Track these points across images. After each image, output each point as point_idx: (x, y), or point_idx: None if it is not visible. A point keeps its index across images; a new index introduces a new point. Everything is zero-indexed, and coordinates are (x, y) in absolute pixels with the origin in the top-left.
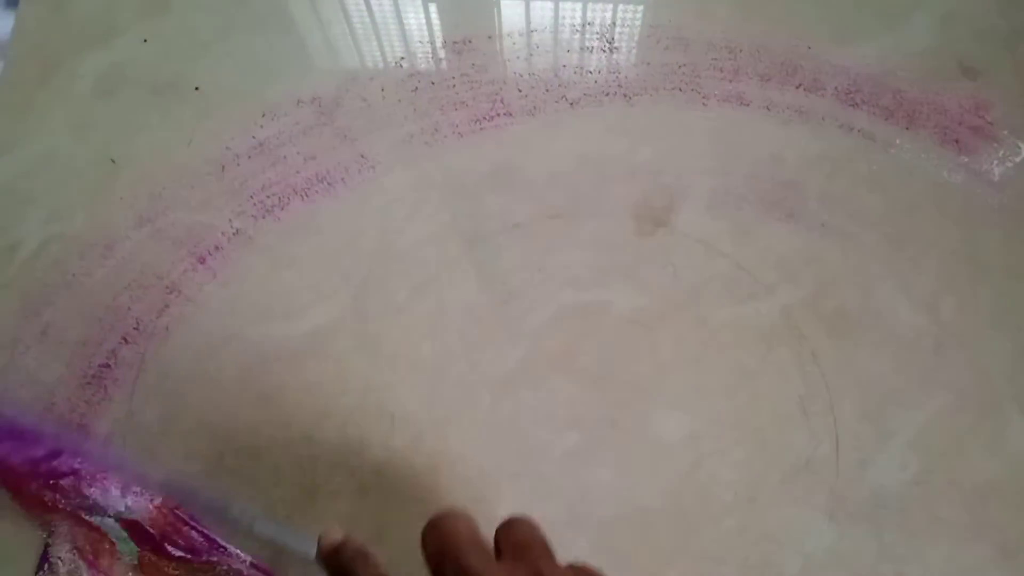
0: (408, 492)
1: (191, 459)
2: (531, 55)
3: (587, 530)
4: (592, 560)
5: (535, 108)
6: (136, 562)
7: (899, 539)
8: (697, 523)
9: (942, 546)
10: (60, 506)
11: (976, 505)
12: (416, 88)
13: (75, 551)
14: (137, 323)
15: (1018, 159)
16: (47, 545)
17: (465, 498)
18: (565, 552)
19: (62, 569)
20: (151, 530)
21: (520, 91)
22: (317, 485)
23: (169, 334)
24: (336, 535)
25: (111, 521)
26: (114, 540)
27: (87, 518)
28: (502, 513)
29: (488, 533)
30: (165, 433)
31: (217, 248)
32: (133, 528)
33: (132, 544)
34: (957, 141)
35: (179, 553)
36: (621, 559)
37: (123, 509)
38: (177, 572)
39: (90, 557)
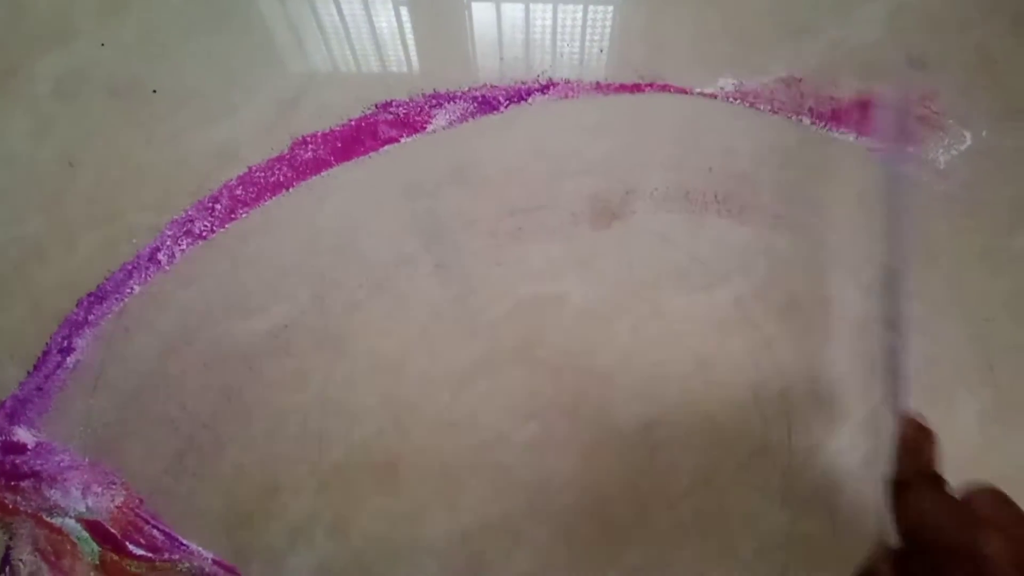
0: (369, 487)
1: (152, 457)
2: (487, 54)
3: (547, 518)
4: (551, 546)
5: (491, 105)
6: (98, 561)
7: (852, 520)
8: (654, 508)
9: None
10: (20, 508)
11: None
12: (374, 87)
13: (37, 552)
14: (98, 323)
15: (963, 147)
16: (8, 548)
17: (426, 490)
18: (525, 540)
19: (24, 571)
20: (112, 530)
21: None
22: (279, 482)
23: (129, 334)
24: (923, 420)
25: (72, 522)
26: (75, 540)
27: (48, 519)
28: (465, 503)
29: None
30: (126, 432)
31: (177, 248)
32: (95, 528)
33: (94, 544)
34: (904, 131)
35: (140, 552)
36: (580, 545)
37: (84, 510)
38: (139, 570)
39: (52, 558)
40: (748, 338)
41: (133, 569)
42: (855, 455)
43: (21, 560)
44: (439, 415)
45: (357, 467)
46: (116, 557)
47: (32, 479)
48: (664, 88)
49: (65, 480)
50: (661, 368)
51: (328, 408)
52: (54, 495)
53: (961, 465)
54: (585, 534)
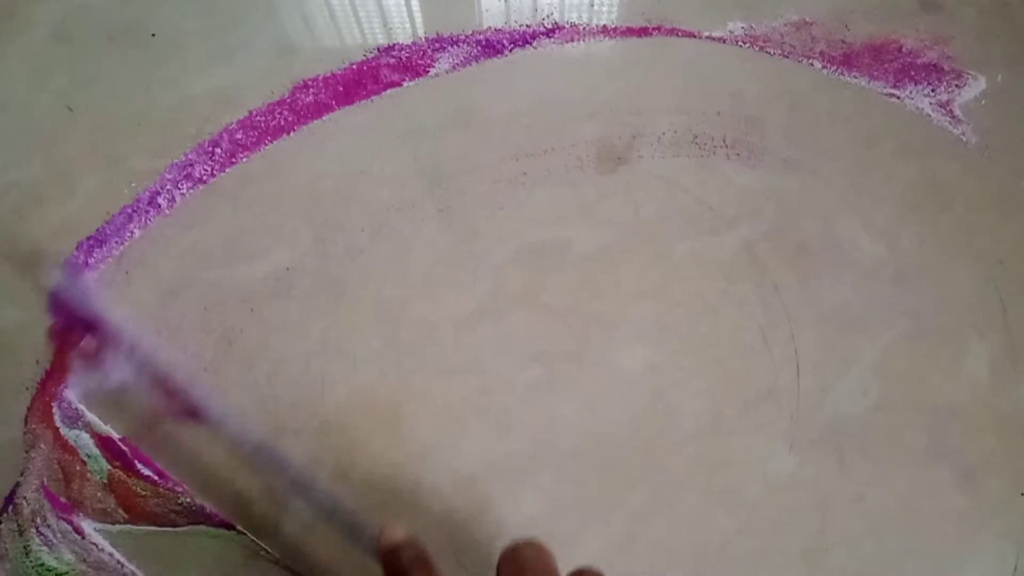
0: (372, 429)
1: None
2: None
3: (550, 461)
4: (556, 490)
5: (495, 49)
6: (106, 480)
7: (860, 463)
8: (659, 452)
9: (902, 469)
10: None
11: (936, 429)
12: (376, 31)
13: (42, 490)
14: (97, 266)
15: (978, 91)
16: (16, 484)
17: (429, 433)
18: (529, 483)
19: (26, 509)
20: (123, 447)
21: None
22: (281, 424)
23: (129, 278)
24: (397, 534)
25: (86, 436)
26: (85, 459)
27: (64, 434)
28: (468, 446)
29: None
30: None
31: (177, 192)
32: (106, 444)
33: (103, 462)
34: (917, 75)
35: (148, 473)
36: (584, 488)
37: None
38: (144, 493)
39: (62, 483)
40: (756, 282)
41: (140, 490)
42: (865, 399)
43: (25, 498)
44: (442, 358)
45: (359, 410)
46: (124, 476)
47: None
48: (672, 32)
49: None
50: (667, 312)
51: (330, 351)
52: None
53: (972, 407)
54: (590, 477)
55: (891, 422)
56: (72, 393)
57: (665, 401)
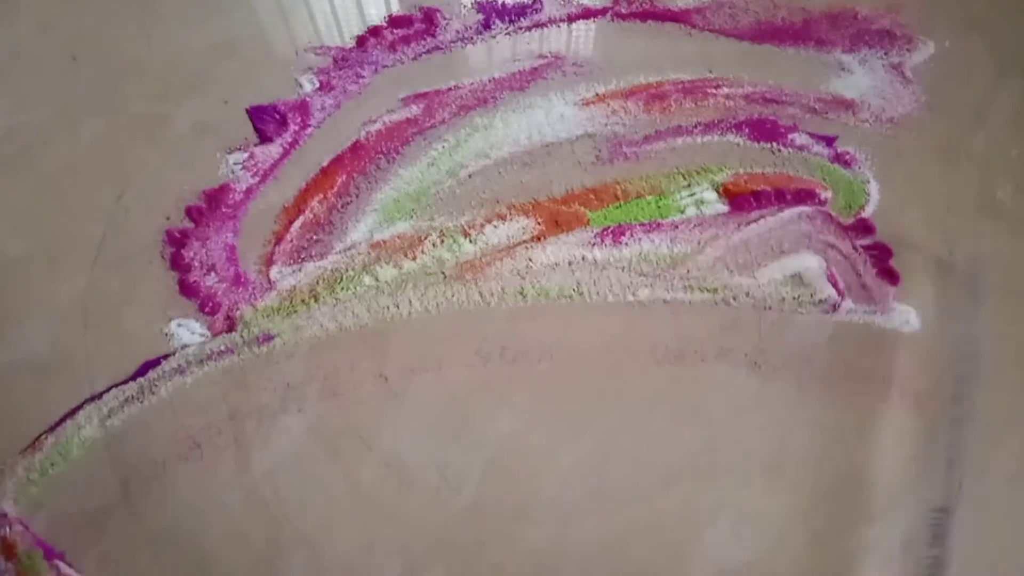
0: (359, 349)
1: (152, 323)
2: None
3: (528, 380)
4: (532, 407)
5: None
6: None
7: (818, 389)
8: (630, 376)
9: (858, 395)
10: None
11: (889, 357)
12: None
13: None
14: (99, 206)
15: (926, 55)
16: None
17: (413, 355)
18: (507, 402)
19: None
20: None
21: None
22: (272, 348)
23: (129, 215)
24: None
25: None
26: None
27: None
28: (450, 368)
29: None
30: (128, 301)
31: (178, 137)
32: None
33: None
34: (871, 40)
35: None
36: (559, 406)
37: None
38: None
39: None
40: (721, 219)
41: None
42: (823, 330)
43: None
44: (430, 286)
45: (348, 331)
46: None
47: None
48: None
49: None
50: (641, 255)
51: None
52: None
53: (922, 337)
54: (564, 398)
55: (847, 350)
56: None
57: (636, 330)
